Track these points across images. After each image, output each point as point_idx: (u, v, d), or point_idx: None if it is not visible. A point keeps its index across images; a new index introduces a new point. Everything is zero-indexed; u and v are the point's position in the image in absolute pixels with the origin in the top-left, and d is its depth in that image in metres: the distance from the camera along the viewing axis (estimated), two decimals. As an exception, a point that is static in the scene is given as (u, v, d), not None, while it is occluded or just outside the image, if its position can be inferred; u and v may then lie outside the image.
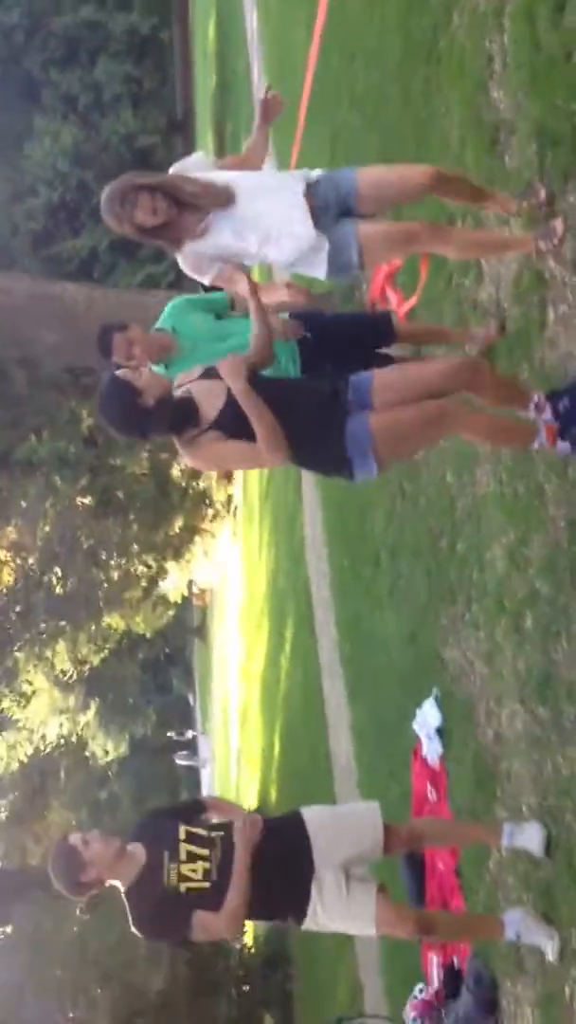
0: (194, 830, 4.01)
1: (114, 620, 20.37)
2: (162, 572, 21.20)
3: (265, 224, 3.87)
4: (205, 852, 3.94)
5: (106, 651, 20.94)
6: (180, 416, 3.62)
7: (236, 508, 22.50)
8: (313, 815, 4.13)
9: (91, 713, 33.09)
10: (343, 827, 4.09)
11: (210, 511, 22.49)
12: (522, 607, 4.20)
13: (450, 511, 5.31)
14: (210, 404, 3.59)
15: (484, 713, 4.76)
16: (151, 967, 11.82)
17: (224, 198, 3.84)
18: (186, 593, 26.03)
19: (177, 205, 3.82)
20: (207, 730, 40.07)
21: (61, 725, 26.58)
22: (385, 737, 6.93)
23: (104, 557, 19.22)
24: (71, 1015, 13.13)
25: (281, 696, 13.92)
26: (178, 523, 21.26)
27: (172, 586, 22.73)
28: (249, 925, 15.02)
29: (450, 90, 5.10)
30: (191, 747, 41.01)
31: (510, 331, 4.34)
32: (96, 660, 20.64)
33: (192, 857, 3.93)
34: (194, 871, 3.91)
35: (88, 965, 12.54)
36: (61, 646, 20.29)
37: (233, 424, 3.54)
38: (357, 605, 8.04)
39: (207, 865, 3.91)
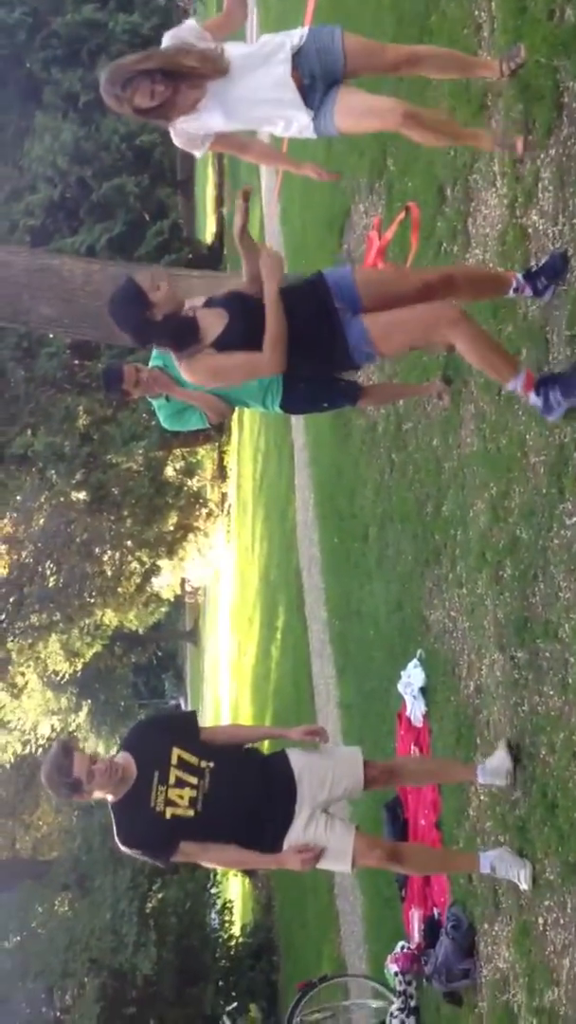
0: (186, 756, 4.08)
1: (107, 615, 20.47)
2: (155, 568, 21.33)
3: (255, 107, 3.99)
4: (193, 780, 4.03)
5: (98, 645, 21.00)
6: (182, 333, 3.74)
7: (230, 507, 22.63)
8: (298, 757, 4.22)
9: (83, 714, 33.16)
10: (326, 768, 4.18)
11: (204, 510, 22.64)
12: (503, 556, 4.31)
13: (436, 475, 5.42)
14: (212, 326, 3.74)
15: (466, 667, 4.87)
16: (138, 951, 11.86)
17: (222, 66, 3.92)
18: (179, 591, 26.18)
19: (174, 83, 3.90)
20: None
21: (52, 727, 26.66)
22: (371, 708, 7.03)
23: (97, 551, 19.34)
24: (59, 1002, 13.18)
25: (271, 687, 14.00)
26: (172, 520, 21.38)
27: (165, 583, 22.86)
28: (236, 916, 15.10)
29: (441, 63, 5.22)
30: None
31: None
32: (89, 654, 20.72)
33: (180, 783, 4.02)
34: (180, 797, 4.01)
35: (76, 951, 12.58)
36: (54, 642, 20.40)
37: (233, 345, 3.69)
38: (346, 582, 8.15)
39: (193, 793, 4.01)
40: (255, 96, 3.96)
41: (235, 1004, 13.33)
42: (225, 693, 23.28)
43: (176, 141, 4.16)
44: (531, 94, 3.93)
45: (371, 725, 7.03)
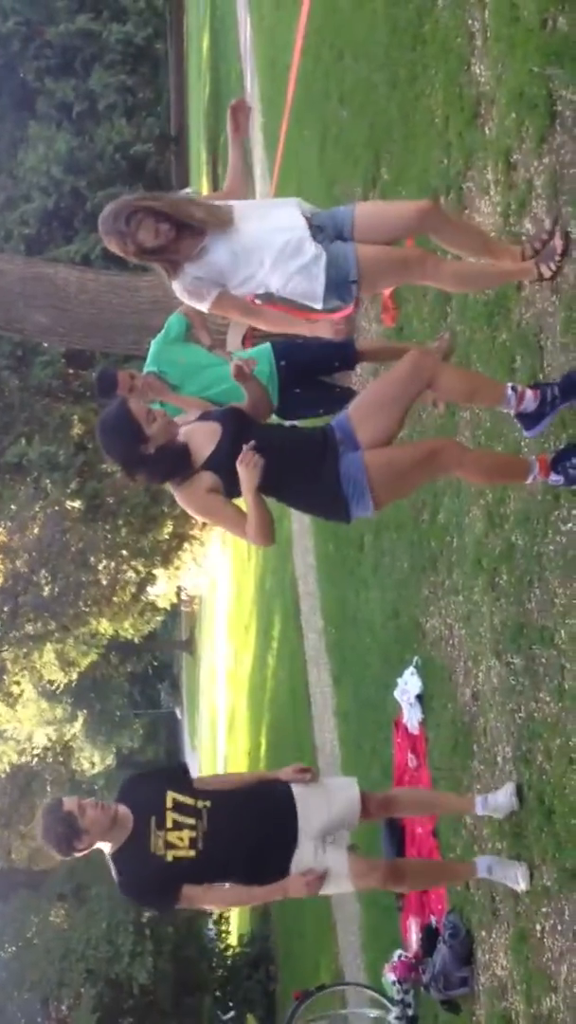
0: (181, 798, 4.05)
1: (102, 624, 20.46)
2: (151, 577, 21.34)
3: (266, 243, 3.86)
4: (191, 821, 3.99)
5: (94, 654, 20.98)
6: (174, 467, 3.64)
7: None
8: (298, 788, 4.19)
9: (79, 724, 33.17)
10: (323, 798, 4.16)
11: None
12: (498, 563, 4.31)
13: (431, 483, 5.42)
14: (203, 445, 3.64)
15: (462, 674, 4.87)
16: (135, 961, 11.84)
17: (226, 218, 3.86)
18: (175, 600, 26.17)
19: (177, 229, 3.81)
20: (195, 746, 40.10)
21: (48, 737, 26.62)
22: (368, 715, 7.03)
23: (92, 560, 19.34)
24: (55, 1012, 13.14)
25: (268, 696, 14.00)
26: (167, 529, 21.38)
27: (161, 592, 22.87)
28: (233, 926, 15.06)
29: (435, 71, 5.25)
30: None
31: (490, 296, 4.48)
32: (84, 663, 20.70)
33: (178, 825, 3.98)
34: (180, 839, 3.96)
35: (72, 961, 12.56)
36: (49, 651, 20.38)
37: (224, 465, 3.58)
38: (342, 590, 8.15)
39: (193, 834, 3.96)
40: (263, 233, 3.83)
41: (232, 1014, 13.33)
42: (221, 702, 23.25)
43: (182, 293, 3.95)
44: (524, 102, 3.95)
45: (368, 733, 7.03)
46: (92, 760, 35.98)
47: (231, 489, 3.62)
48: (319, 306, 3.97)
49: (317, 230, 3.88)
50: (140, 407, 3.62)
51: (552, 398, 3.67)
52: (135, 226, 3.76)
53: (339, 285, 3.87)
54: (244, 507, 3.68)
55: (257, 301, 4.30)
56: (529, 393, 3.68)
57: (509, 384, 3.73)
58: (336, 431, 3.61)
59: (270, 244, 3.86)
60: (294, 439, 3.70)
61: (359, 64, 7.29)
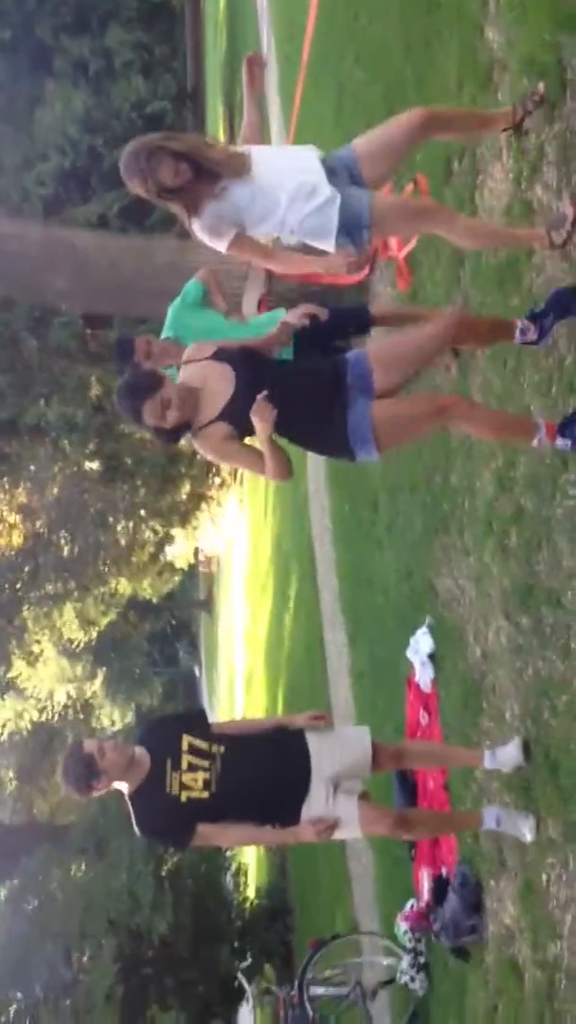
0: (196, 742, 4.23)
1: (121, 584, 20.62)
2: (169, 538, 21.44)
3: (282, 183, 3.92)
4: (205, 764, 4.18)
5: (113, 614, 21.19)
6: (184, 431, 3.82)
7: (242, 476, 22.70)
8: (312, 735, 4.36)
9: (98, 682, 33.44)
10: (336, 745, 4.33)
11: (217, 479, 22.71)
12: (508, 525, 4.41)
13: (444, 444, 5.51)
14: (217, 391, 3.74)
15: (472, 633, 4.98)
16: (155, 912, 12.10)
17: (244, 164, 3.92)
18: (193, 560, 26.33)
19: (195, 171, 3.87)
20: (213, 704, 40.36)
21: (68, 694, 26.91)
22: (382, 674, 7.16)
23: (111, 521, 19.46)
24: (77, 963, 13.44)
25: (284, 655, 14.16)
26: (185, 490, 21.45)
27: (179, 552, 23.00)
28: (251, 878, 15.34)
29: (449, 36, 5.26)
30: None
31: (502, 261, 4.54)
32: (103, 622, 20.91)
33: (193, 767, 4.17)
34: (194, 780, 4.15)
35: (94, 912, 12.83)
36: (69, 611, 20.57)
37: (239, 414, 3.70)
38: (357, 550, 8.26)
39: (207, 776, 4.15)
40: (281, 173, 3.92)
41: (250, 963, 13.58)
42: (239, 661, 23.47)
43: (201, 232, 4.00)
44: (536, 70, 3.98)
45: (383, 691, 7.17)
46: (112, 717, 36.37)
47: (246, 431, 3.74)
48: (331, 248, 4.03)
49: (331, 173, 3.95)
50: (154, 406, 3.72)
51: (550, 326, 3.82)
52: (155, 164, 3.83)
53: (351, 228, 3.93)
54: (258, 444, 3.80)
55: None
56: (531, 327, 3.84)
57: (519, 322, 3.86)
58: (350, 370, 3.70)
59: (285, 185, 3.93)
60: (305, 380, 3.76)
61: (374, 25, 7.28)
